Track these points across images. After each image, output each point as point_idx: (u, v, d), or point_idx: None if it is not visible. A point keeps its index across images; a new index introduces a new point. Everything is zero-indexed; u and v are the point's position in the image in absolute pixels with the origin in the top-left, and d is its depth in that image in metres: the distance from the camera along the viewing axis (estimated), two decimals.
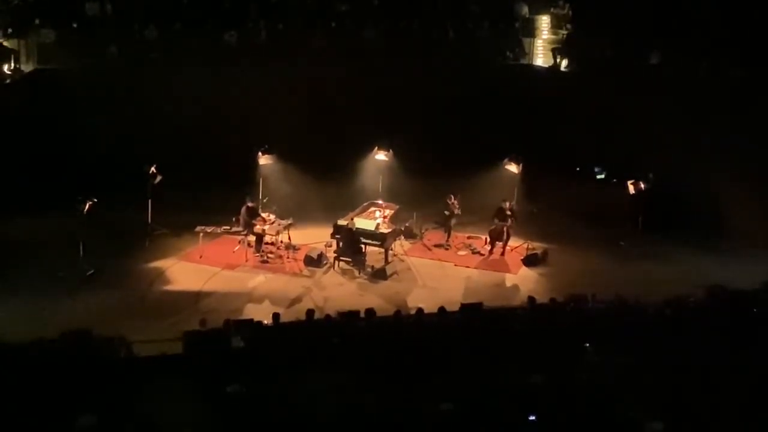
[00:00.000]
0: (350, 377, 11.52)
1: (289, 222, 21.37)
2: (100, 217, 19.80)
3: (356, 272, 20.39)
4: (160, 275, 19.79)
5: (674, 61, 23.91)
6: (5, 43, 22.73)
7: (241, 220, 20.72)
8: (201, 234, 20.80)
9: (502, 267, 21.20)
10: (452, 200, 22.05)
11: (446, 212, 22.17)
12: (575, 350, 12.82)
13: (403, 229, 22.09)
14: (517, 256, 21.57)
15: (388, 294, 19.31)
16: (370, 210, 22.00)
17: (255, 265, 20.50)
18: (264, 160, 21.87)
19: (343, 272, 20.45)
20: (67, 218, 19.64)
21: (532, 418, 10.85)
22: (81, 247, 19.31)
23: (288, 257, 20.91)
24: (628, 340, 12.82)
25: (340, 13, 25.64)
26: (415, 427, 10.80)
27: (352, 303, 17.06)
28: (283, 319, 14.82)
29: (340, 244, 20.67)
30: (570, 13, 26.45)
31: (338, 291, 19.48)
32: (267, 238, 21.07)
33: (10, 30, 22.99)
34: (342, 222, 20.85)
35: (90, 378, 11.48)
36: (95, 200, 19.59)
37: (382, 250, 20.70)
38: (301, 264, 20.63)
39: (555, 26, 26.76)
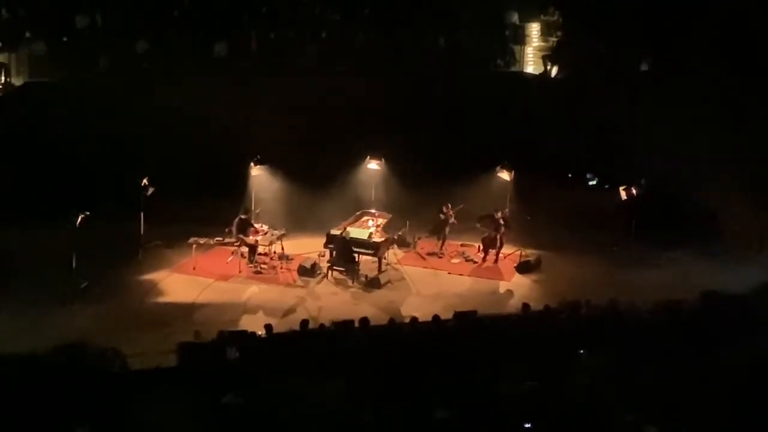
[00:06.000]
0: (345, 387, 11.51)
1: (282, 232, 21.40)
2: (92, 229, 19.74)
3: (350, 281, 20.39)
4: (153, 287, 19.79)
5: (665, 67, 23.98)
6: None
7: (234, 231, 20.69)
8: (194, 245, 20.77)
9: (496, 274, 21.23)
10: (448, 209, 22.07)
11: (441, 215, 22.17)
12: (570, 357, 12.82)
13: (396, 237, 22.12)
14: (510, 263, 21.60)
15: (382, 303, 19.32)
16: (363, 219, 22.02)
17: (248, 275, 20.50)
18: (256, 170, 21.87)
19: (337, 282, 20.46)
20: (59, 231, 19.56)
21: (527, 426, 10.84)
22: (74, 260, 19.26)
23: (281, 267, 20.91)
24: (622, 346, 12.83)
25: (332, 22, 25.67)
26: None
27: (346, 312, 17.04)
28: (278, 329, 14.80)
29: (334, 253, 20.67)
30: (560, 20, 26.54)
31: (332, 300, 19.49)
32: (260, 249, 21.06)
33: (0, 43, 22.97)
34: (335, 231, 20.87)
35: (84, 391, 11.44)
36: (87, 213, 19.53)
37: (376, 259, 20.72)
38: (295, 274, 20.64)
39: (545, 33, 26.86)
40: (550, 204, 22.32)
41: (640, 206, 21.90)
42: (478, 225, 21.86)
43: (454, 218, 22.16)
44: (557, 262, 21.51)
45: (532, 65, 26.67)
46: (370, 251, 20.72)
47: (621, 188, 21.97)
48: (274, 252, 21.35)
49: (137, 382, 12.18)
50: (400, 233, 22.46)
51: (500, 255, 21.81)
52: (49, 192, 20.88)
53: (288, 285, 20.23)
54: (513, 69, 26.47)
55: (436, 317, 14.69)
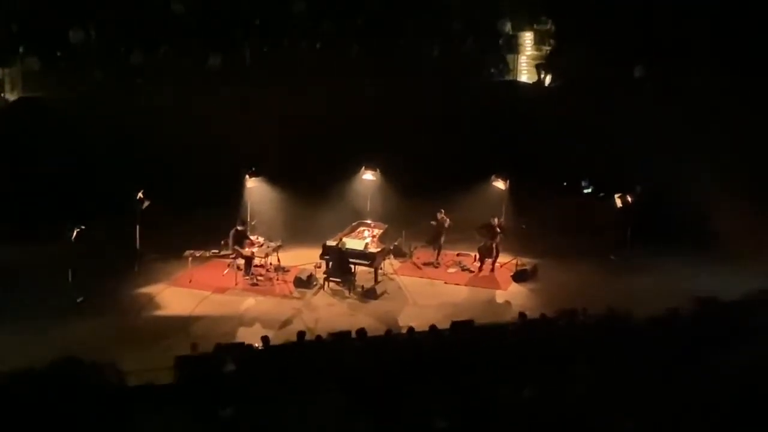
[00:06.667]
0: (343, 398, 11.49)
1: (278, 244, 21.39)
2: (88, 243, 19.74)
3: (346, 292, 20.39)
4: (150, 301, 19.77)
5: (658, 73, 24.01)
6: None
7: (230, 244, 20.68)
8: (190, 258, 20.75)
9: (492, 283, 21.24)
10: (442, 214, 22.07)
11: (432, 222, 22.17)
12: (568, 365, 12.80)
13: (392, 248, 22.12)
14: (506, 272, 21.62)
15: (378, 313, 19.32)
16: (358, 230, 22.03)
17: (245, 288, 20.49)
18: (252, 182, 21.87)
19: (334, 293, 20.46)
20: (55, 246, 19.57)
21: None
22: (70, 275, 19.25)
23: (278, 279, 20.91)
24: (619, 354, 12.82)
25: (325, 33, 25.70)
26: None
27: (343, 323, 17.04)
28: (275, 341, 14.79)
29: (330, 264, 20.67)
30: (553, 28, 26.61)
31: (329, 312, 19.49)
32: (256, 261, 21.05)
33: None
34: (331, 243, 20.87)
35: (82, 406, 11.40)
36: (83, 227, 19.53)
37: (372, 269, 20.71)
38: (291, 286, 20.64)
39: (538, 42, 26.95)
40: (545, 212, 22.37)
41: (635, 213, 21.93)
42: (477, 234, 21.80)
43: (449, 222, 22.10)
44: (554, 271, 21.52)
45: (525, 74, 26.73)
46: (366, 262, 20.73)
47: (616, 196, 22.03)
48: (271, 264, 21.34)
49: (135, 397, 12.15)
50: (396, 243, 22.47)
51: (496, 264, 21.82)
52: (44, 206, 20.84)
53: (284, 297, 20.23)
54: (507, 78, 26.56)
55: (433, 327, 14.67)
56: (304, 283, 20.58)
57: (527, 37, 27.11)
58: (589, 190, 23.70)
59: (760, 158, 21.12)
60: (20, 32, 23.55)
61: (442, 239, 22.25)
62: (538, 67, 26.19)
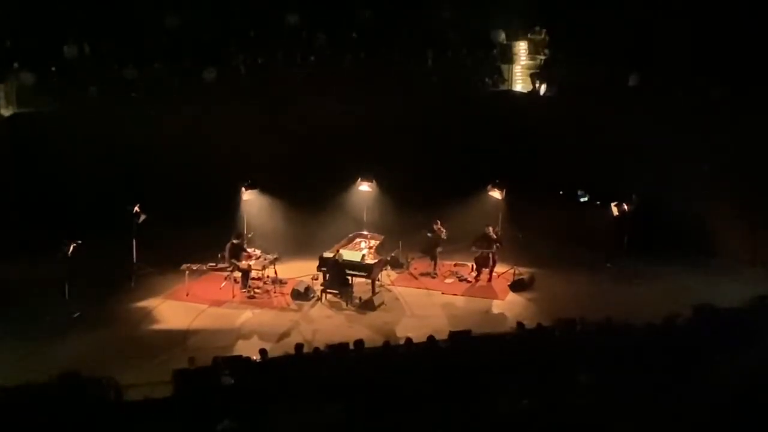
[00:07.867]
0: (341, 410, 11.46)
1: (275, 256, 21.34)
2: (84, 258, 19.71)
3: (344, 304, 20.35)
4: (147, 315, 19.70)
5: (653, 82, 24.04)
6: None
7: (226, 257, 20.65)
8: (187, 272, 20.70)
9: (490, 293, 21.20)
10: (438, 225, 22.05)
11: (428, 234, 22.12)
12: (566, 374, 12.79)
13: (389, 259, 22.09)
14: (504, 281, 21.58)
15: (376, 325, 19.27)
16: (355, 241, 22.01)
17: (242, 300, 20.43)
18: (248, 195, 21.83)
19: (331, 305, 20.40)
20: (51, 261, 19.53)
21: None
22: (66, 290, 19.22)
23: (275, 292, 20.86)
24: (617, 362, 12.81)
25: (320, 45, 25.73)
26: None
27: (341, 335, 17.01)
28: (272, 353, 14.76)
29: (327, 276, 20.63)
30: (547, 38, 26.69)
31: (326, 324, 19.43)
32: (253, 274, 21.02)
33: None
34: (328, 254, 20.84)
35: (80, 421, 11.37)
36: (79, 242, 19.51)
37: (369, 280, 20.67)
38: (289, 298, 20.58)
39: (533, 52, 27.02)
40: (542, 222, 22.34)
41: (632, 222, 21.93)
42: (474, 248, 21.76)
43: (445, 233, 22.06)
44: (551, 280, 21.49)
45: (520, 84, 26.79)
46: (363, 273, 20.69)
47: (613, 204, 22.02)
48: (268, 276, 21.30)
49: (132, 411, 12.12)
50: (393, 254, 22.44)
51: (493, 274, 21.79)
52: (40, 222, 20.82)
53: (282, 309, 20.18)
54: (502, 88, 26.61)
55: (430, 338, 14.65)
56: (302, 295, 20.54)
57: (521, 47, 27.18)
58: (586, 199, 23.70)
59: (756, 166, 21.13)
60: (14, 47, 23.56)
61: (438, 249, 22.22)
62: (533, 77, 26.25)
